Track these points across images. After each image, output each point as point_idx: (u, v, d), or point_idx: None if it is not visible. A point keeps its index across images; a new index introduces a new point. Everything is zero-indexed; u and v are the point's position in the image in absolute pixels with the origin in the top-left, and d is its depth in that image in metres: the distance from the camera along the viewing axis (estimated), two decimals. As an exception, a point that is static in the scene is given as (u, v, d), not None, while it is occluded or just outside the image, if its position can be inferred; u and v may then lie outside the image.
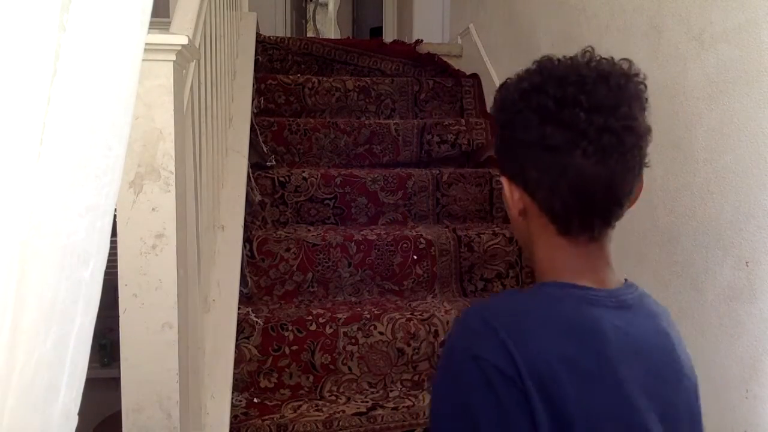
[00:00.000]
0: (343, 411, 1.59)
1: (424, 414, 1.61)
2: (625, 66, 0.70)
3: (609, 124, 0.65)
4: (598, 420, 0.64)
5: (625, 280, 0.75)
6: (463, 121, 2.52)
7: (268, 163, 2.22)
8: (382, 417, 1.58)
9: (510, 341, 0.62)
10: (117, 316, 1.08)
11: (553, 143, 0.66)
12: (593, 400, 0.64)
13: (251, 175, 2.07)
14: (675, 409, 0.70)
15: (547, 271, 0.72)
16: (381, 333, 1.75)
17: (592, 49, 0.72)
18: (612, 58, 0.71)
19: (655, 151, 1.47)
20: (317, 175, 2.15)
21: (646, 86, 0.70)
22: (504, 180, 0.73)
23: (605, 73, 0.68)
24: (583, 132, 0.65)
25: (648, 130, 0.69)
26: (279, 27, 4.21)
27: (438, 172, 2.25)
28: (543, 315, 0.67)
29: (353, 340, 1.73)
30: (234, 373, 1.60)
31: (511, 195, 0.72)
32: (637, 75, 0.70)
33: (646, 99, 0.70)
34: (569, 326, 0.66)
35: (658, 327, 0.73)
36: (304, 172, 2.16)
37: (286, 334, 1.72)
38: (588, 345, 0.65)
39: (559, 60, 0.72)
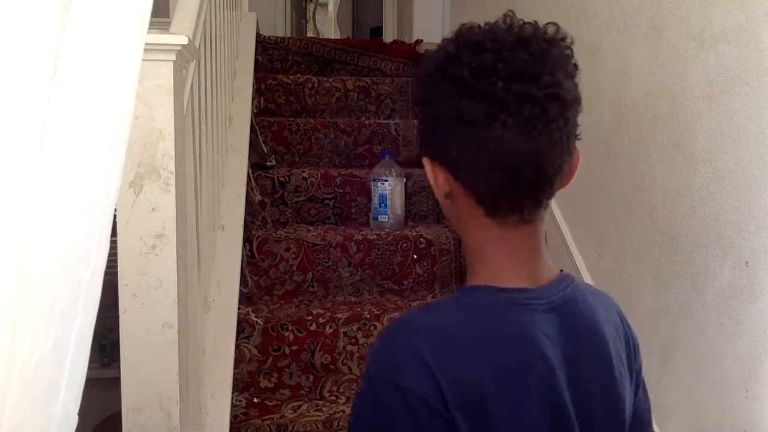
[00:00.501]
0: (343, 411, 1.59)
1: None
2: (551, 30, 0.65)
3: (530, 92, 0.59)
4: None
5: (561, 271, 0.71)
6: (463, 121, 2.52)
7: (268, 163, 2.22)
8: (382, 417, 1.57)
9: (434, 364, 0.58)
10: (117, 316, 1.08)
11: (471, 116, 0.60)
12: (525, 416, 0.61)
13: (251, 175, 2.07)
14: (592, 419, 0.66)
15: (477, 262, 0.67)
16: (381, 333, 1.75)
17: (513, 13, 0.66)
18: (536, 21, 0.65)
19: (655, 151, 1.47)
20: (317, 175, 2.15)
21: (572, 51, 0.65)
22: (426, 161, 0.67)
23: (526, 38, 0.62)
24: (501, 102, 0.59)
25: (576, 99, 0.63)
26: (279, 27, 4.21)
27: (438, 172, 2.25)
28: (470, 329, 0.62)
29: (353, 340, 1.73)
30: (234, 373, 1.60)
31: (435, 177, 0.67)
32: (563, 39, 0.65)
33: (575, 65, 0.64)
34: (497, 339, 0.62)
35: (590, 328, 0.69)
36: (304, 172, 2.16)
37: (286, 334, 1.72)
38: (518, 358, 0.62)
39: (478, 26, 0.66)
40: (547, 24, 0.65)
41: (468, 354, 0.60)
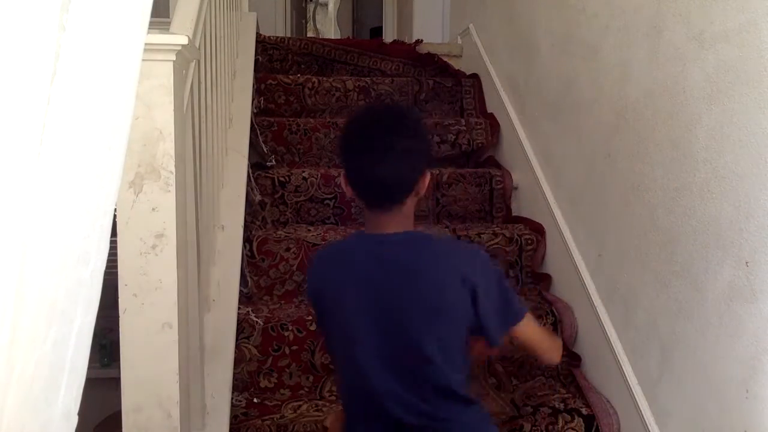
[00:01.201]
0: (343, 411, 1.59)
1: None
2: (386, 115, 1.15)
3: (374, 146, 1.09)
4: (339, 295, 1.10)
5: (411, 231, 1.12)
6: (463, 121, 2.52)
7: (268, 163, 2.22)
8: (382, 417, 1.57)
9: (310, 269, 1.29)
10: (117, 316, 1.08)
11: (350, 162, 1.11)
12: (343, 298, 1.09)
13: (251, 175, 2.07)
14: (400, 302, 1.06)
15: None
16: (381, 333, 1.75)
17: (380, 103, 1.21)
18: (380, 111, 1.22)
19: (655, 151, 1.47)
20: (317, 175, 2.15)
21: (406, 119, 1.13)
22: (341, 178, 1.12)
23: (369, 123, 1.12)
24: (359, 154, 1.10)
25: (407, 148, 1.07)
26: (279, 27, 4.21)
27: (438, 172, 2.25)
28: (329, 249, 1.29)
29: (353, 340, 1.73)
30: (234, 373, 1.60)
31: (345, 186, 1.12)
32: (401, 115, 1.15)
33: (407, 126, 1.11)
34: (339, 252, 1.19)
35: (402, 261, 1.08)
36: (304, 172, 2.17)
37: (286, 334, 1.72)
38: (344, 261, 1.13)
39: (352, 119, 1.16)
40: (391, 105, 1.23)
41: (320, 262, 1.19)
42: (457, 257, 1.13)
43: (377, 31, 5.41)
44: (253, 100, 2.36)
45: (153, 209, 1.07)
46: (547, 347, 1.18)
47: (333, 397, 1.69)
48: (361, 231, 1.16)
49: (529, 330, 1.14)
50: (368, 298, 1.07)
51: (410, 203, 1.11)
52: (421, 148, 1.11)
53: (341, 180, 1.13)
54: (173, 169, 1.07)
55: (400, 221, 1.10)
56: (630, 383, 1.54)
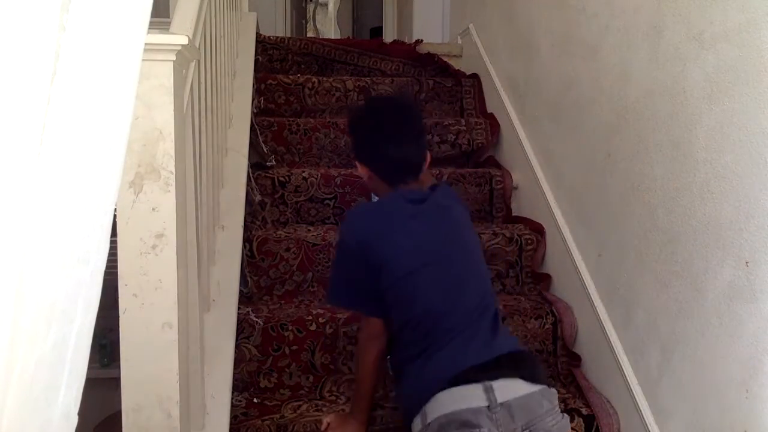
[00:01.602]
0: (343, 411, 1.59)
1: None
2: (405, 99, 1.40)
3: (402, 131, 1.39)
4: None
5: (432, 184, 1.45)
6: (463, 121, 2.52)
7: (268, 163, 2.22)
8: (382, 417, 1.58)
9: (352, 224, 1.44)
10: (117, 316, 1.08)
11: (374, 145, 1.40)
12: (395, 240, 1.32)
13: (251, 175, 2.07)
14: (441, 233, 1.35)
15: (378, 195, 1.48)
16: (381, 333, 1.75)
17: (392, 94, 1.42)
18: (396, 96, 1.47)
19: (655, 151, 1.47)
20: (317, 175, 2.15)
21: (416, 113, 1.43)
22: (357, 163, 1.43)
23: (393, 109, 1.43)
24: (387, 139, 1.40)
25: (422, 131, 1.42)
26: (279, 27, 4.21)
27: (438, 172, 2.25)
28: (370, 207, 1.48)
29: (353, 340, 1.73)
30: (234, 373, 1.60)
31: (362, 170, 1.41)
32: (410, 105, 1.51)
33: (421, 120, 1.44)
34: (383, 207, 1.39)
35: (435, 200, 1.38)
36: (304, 172, 2.17)
37: (286, 334, 1.72)
38: (389, 213, 1.35)
39: (371, 107, 1.51)
40: (402, 95, 1.55)
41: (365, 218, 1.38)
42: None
43: (377, 31, 5.41)
44: (253, 100, 2.36)
45: (153, 209, 1.07)
46: None
47: (333, 397, 1.69)
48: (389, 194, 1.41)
49: None
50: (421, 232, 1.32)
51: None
52: (425, 129, 1.42)
53: (357, 165, 1.37)
54: (173, 169, 1.07)
55: (420, 182, 1.41)
56: (630, 383, 1.54)
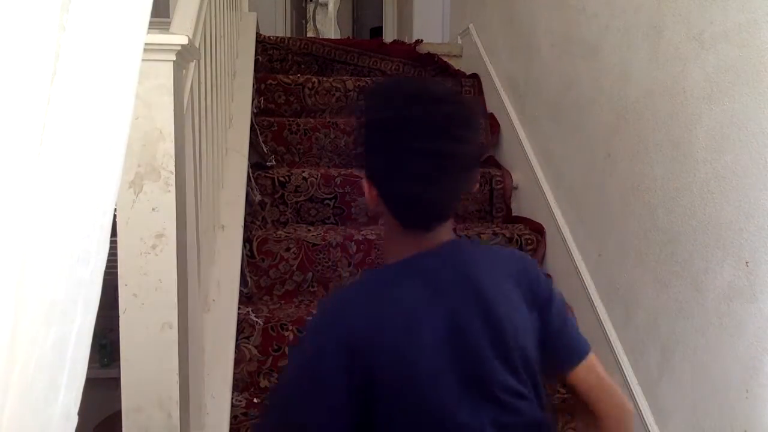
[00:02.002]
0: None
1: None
2: (452, 93, 0.86)
3: (436, 151, 0.79)
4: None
5: (452, 239, 0.87)
6: (463, 121, 2.52)
7: (268, 163, 2.22)
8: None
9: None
10: (117, 316, 1.08)
11: (389, 170, 0.81)
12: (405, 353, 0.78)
13: (251, 175, 2.07)
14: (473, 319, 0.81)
15: (388, 251, 0.90)
16: (381, 333, 1.75)
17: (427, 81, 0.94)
18: (438, 88, 0.85)
19: (655, 151, 1.47)
20: (317, 175, 2.15)
21: (470, 112, 0.85)
22: (364, 181, 0.85)
23: (433, 107, 0.81)
24: (410, 161, 0.80)
25: (479, 152, 0.87)
26: (279, 27, 4.21)
27: (438, 172, 2.25)
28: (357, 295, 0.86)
29: (353, 340, 1.73)
30: (234, 373, 1.60)
31: (370, 192, 0.84)
32: (460, 101, 0.86)
33: (476, 121, 0.87)
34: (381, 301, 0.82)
35: (463, 276, 0.84)
36: (304, 172, 2.16)
37: (286, 334, 1.72)
38: (394, 314, 0.80)
39: (393, 96, 0.85)
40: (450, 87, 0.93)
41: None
42: (520, 264, 0.93)
43: (377, 31, 5.41)
44: (253, 100, 2.35)
45: (153, 209, 1.07)
46: None
47: (333, 397, 1.69)
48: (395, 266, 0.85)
49: None
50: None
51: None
52: (480, 152, 0.91)
53: (371, 192, 0.83)
54: (173, 169, 1.07)
55: (441, 240, 0.86)
56: (630, 383, 1.54)
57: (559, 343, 0.89)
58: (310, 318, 0.89)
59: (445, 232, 0.86)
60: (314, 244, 1.94)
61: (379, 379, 0.75)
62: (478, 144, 0.82)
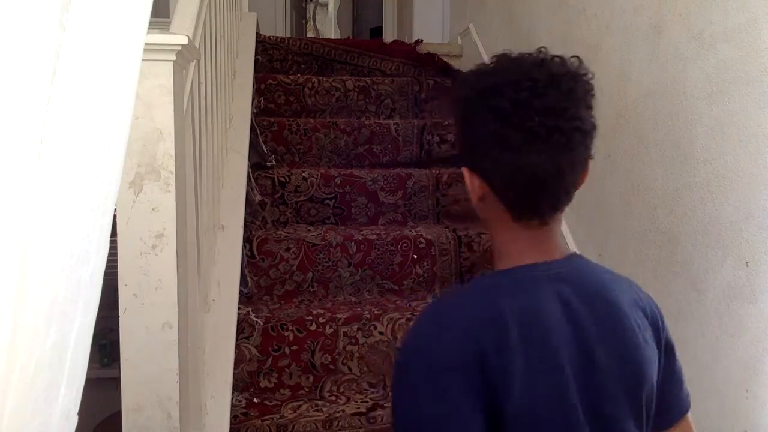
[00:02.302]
0: (343, 411, 1.59)
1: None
2: (575, 66, 0.76)
3: (559, 125, 0.71)
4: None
5: (572, 253, 0.81)
6: (463, 121, 2.52)
7: (268, 163, 2.22)
8: (382, 417, 1.58)
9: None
10: (117, 316, 1.08)
11: (509, 143, 0.72)
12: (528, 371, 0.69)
13: (251, 175, 2.07)
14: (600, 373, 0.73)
15: (502, 256, 0.79)
16: (381, 333, 1.75)
17: (546, 49, 0.77)
18: (563, 58, 0.77)
19: (655, 151, 1.47)
20: (317, 175, 2.15)
21: (592, 85, 0.76)
22: (464, 170, 0.78)
23: (556, 77, 0.73)
24: (535, 133, 0.71)
25: (593, 127, 0.75)
26: (279, 27, 4.21)
27: (438, 172, 2.25)
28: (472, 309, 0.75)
29: (353, 340, 1.73)
30: (234, 373, 1.60)
31: (472, 183, 0.77)
32: (585, 74, 0.76)
33: (593, 95, 0.76)
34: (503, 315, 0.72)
35: (601, 293, 0.77)
36: (304, 172, 2.16)
37: (286, 334, 1.72)
38: (524, 328, 0.71)
39: (514, 59, 0.77)
40: (572, 57, 0.77)
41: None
42: (639, 292, 0.84)
43: (377, 31, 5.41)
44: (253, 100, 2.35)
45: (153, 209, 1.07)
46: None
47: (333, 397, 1.69)
48: (511, 271, 0.76)
49: None
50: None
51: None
52: (596, 130, 0.77)
53: (473, 181, 0.77)
54: (173, 169, 1.07)
55: (557, 238, 0.79)
56: (630, 383, 1.54)
57: (670, 395, 0.82)
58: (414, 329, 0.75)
59: (559, 236, 0.79)
60: (314, 244, 1.94)
61: (501, 396, 0.68)
62: (593, 121, 0.75)
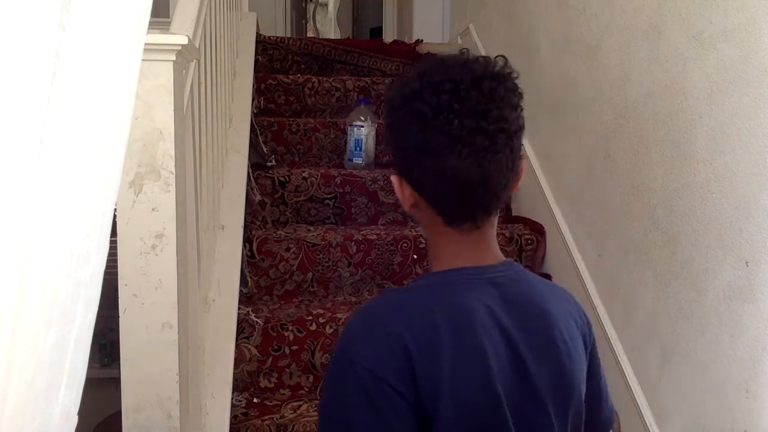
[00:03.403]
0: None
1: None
2: (498, 66, 0.74)
3: (481, 127, 0.70)
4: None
5: (509, 260, 0.80)
6: (463, 121, 2.52)
7: (268, 163, 2.22)
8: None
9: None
10: (117, 316, 1.08)
11: (431, 147, 0.71)
12: (460, 373, 0.69)
13: (251, 175, 2.07)
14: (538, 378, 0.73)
15: (436, 259, 0.79)
16: (381, 333, 1.75)
17: (468, 50, 0.77)
18: (487, 58, 0.75)
19: (655, 151, 1.47)
20: (317, 175, 2.15)
21: (517, 85, 0.75)
22: (394, 178, 0.78)
23: (478, 78, 0.72)
24: (457, 136, 0.69)
25: (520, 128, 0.75)
26: (279, 27, 4.21)
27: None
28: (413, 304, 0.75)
29: (353, 340, 1.73)
30: (234, 373, 1.60)
31: (402, 191, 0.77)
32: (510, 74, 0.75)
33: (519, 95, 0.75)
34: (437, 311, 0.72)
35: (533, 304, 0.77)
36: (304, 172, 2.16)
37: (286, 334, 1.72)
38: (455, 327, 0.70)
39: (438, 62, 0.75)
40: (497, 56, 0.76)
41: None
42: (570, 302, 0.84)
43: (377, 31, 5.41)
44: (253, 100, 2.36)
45: (153, 209, 1.07)
46: None
47: (333, 397, 1.69)
48: (444, 273, 0.77)
49: None
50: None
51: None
52: (523, 131, 0.77)
53: (403, 188, 0.76)
54: (173, 169, 1.07)
55: (492, 241, 0.78)
56: (630, 383, 1.54)
57: (597, 407, 0.83)
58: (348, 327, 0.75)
59: (494, 240, 0.78)
60: (314, 244, 1.94)
61: (426, 402, 0.67)
62: (519, 122, 0.74)
